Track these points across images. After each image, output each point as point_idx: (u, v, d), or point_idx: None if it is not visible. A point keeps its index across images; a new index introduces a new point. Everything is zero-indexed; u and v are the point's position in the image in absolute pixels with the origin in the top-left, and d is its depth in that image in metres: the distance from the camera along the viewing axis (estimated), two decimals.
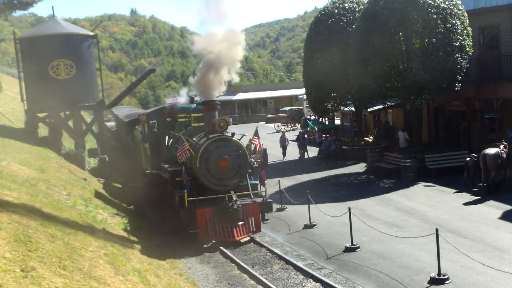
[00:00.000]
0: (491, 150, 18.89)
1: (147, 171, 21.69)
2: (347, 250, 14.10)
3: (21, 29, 68.89)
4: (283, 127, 50.99)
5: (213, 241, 15.61)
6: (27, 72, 26.49)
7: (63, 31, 26.49)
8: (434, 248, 11.70)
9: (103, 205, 18.06)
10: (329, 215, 16.30)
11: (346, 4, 29.73)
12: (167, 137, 19.38)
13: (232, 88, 71.38)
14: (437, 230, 11.64)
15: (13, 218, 9.87)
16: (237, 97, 67.29)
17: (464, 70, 23.06)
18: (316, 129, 36.90)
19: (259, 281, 12.22)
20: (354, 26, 27.08)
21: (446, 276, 11.46)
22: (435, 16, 22.40)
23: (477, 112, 24.43)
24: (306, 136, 32.17)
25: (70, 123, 28.16)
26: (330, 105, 31.58)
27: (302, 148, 31.36)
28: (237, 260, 13.82)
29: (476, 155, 19.59)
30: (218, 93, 17.07)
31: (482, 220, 15.96)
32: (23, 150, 21.17)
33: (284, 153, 31.49)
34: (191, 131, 18.04)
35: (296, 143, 32.18)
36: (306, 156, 31.40)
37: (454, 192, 19.80)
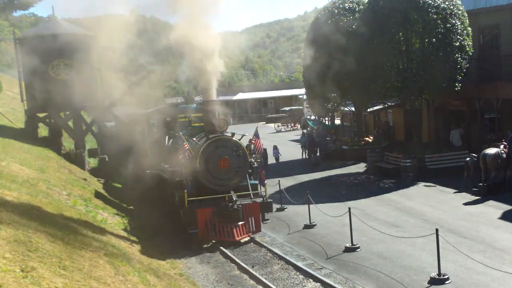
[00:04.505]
0: (491, 150, 18.89)
1: (147, 171, 21.67)
2: (347, 250, 14.10)
3: (21, 29, 68.77)
4: (283, 127, 51.00)
5: (213, 241, 15.61)
6: (27, 72, 26.46)
7: (63, 31, 26.46)
8: (434, 248, 11.71)
9: (103, 205, 18.07)
10: (329, 215, 16.30)
11: (346, 4, 29.66)
12: (167, 137, 19.38)
13: (232, 88, 71.39)
14: (437, 230, 11.64)
15: (13, 218, 9.86)
16: (237, 97, 67.27)
17: (464, 70, 23.06)
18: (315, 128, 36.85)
19: (259, 281, 12.23)
20: (354, 26, 27.07)
21: (446, 276, 11.47)
22: (435, 16, 22.39)
23: (477, 112, 24.43)
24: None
25: (70, 123, 28.13)
26: (330, 105, 31.56)
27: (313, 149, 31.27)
28: (237, 260, 13.82)
29: (476, 155, 19.59)
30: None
31: (482, 220, 15.96)
32: (23, 150, 21.15)
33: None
34: (191, 131, 18.05)
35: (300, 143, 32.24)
36: (310, 156, 31.26)
37: (454, 192, 19.80)
